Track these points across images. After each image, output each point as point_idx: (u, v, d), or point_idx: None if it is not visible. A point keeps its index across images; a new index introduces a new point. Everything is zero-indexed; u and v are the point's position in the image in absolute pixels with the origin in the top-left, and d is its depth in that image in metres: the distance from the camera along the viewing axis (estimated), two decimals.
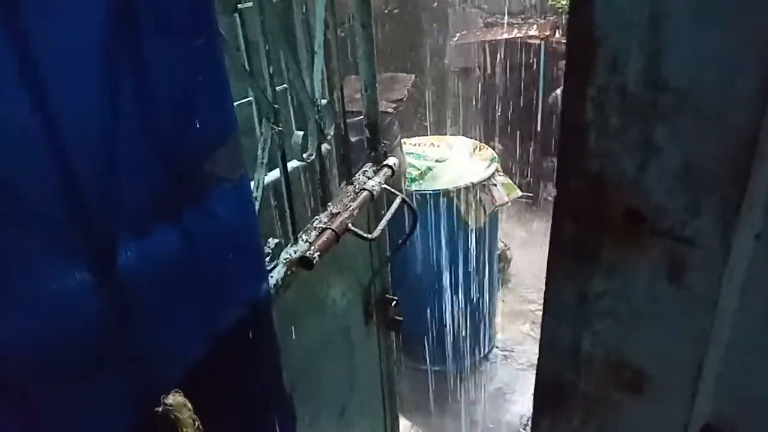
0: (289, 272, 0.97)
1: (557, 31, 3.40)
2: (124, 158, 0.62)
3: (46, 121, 0.52)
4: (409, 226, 1.27)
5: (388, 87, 2.16)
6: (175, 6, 0.65)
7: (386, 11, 2.44)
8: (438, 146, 2.75)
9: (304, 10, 1.03)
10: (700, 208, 0.48)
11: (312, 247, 1.01)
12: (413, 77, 2.32)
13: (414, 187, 2.39)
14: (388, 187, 1.23)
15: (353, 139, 1.41)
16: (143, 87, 0.63)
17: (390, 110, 2.03)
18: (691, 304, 0.50)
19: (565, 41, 2.83)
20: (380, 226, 1.13)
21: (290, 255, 0.99)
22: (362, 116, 1.29)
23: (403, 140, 2.37)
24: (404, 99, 2.15)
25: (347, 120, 1.26)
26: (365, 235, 1.09)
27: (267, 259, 0.92)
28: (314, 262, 0.99)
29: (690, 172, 0.48)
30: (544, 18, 3.47)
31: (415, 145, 2.75)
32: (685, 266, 0.52)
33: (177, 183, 0.70)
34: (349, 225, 1.09)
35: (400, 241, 1.32)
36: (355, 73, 1.39)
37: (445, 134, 3.23)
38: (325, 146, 1.10)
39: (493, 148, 3.07)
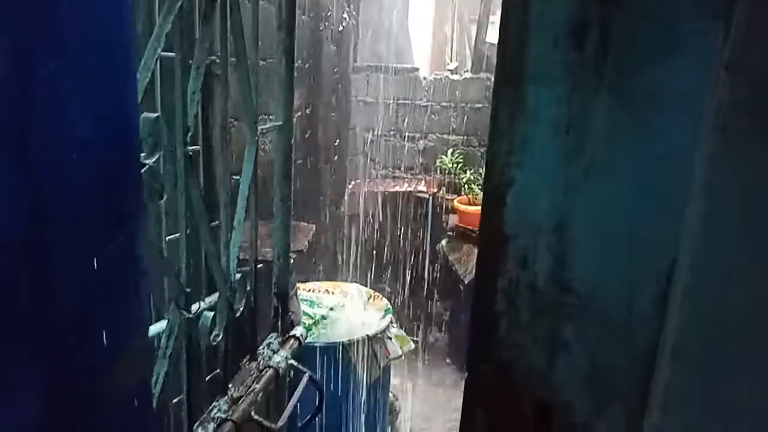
0: None
1: (443, 188, 3.74)
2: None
3: None
4: (316, 404, 1.18)
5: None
6: (96, 199, 0.59)
7: None
8: (332, 293, 2.72)
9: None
10: (607, 410, 0.48)
11: None
12: (314, 227, 2.34)
13: (308, 337, 2.28)
14: (296, 364, 1.15)
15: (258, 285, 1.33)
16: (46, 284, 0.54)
17: (290, 261, 1.99)
18: None
19: (449, 197, 3.08)
20: (286, 413, 1.03)
21: None
22: (270, 262, 1.24)
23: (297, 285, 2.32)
24: (304, 250, 2.14)
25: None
26: (270, 425, 0.98)
27: None
28: None
29: (596, 372, 0.48)
30: (431, 176, 3.82)
31: (309, 291, 2.69)
32: None
33: (66, 398, 0.58)
34: (252, 413, 0.98)
35: (302, 423, 1.21)
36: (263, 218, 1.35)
37: (339, 279, 3.23)
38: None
39: (383, 291, 3.12)
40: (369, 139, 3.84)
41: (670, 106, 0.42)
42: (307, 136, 2.71)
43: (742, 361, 0.41)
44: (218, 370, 1.00)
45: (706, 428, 0.43)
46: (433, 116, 3.78)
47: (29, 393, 0.53)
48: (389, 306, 2.64)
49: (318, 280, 2.90)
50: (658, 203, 0.43)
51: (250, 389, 1.02)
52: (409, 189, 3.63)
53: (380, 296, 2.72)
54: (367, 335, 2.35)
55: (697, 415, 0.43)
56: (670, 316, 0.43)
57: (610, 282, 0.46)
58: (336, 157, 3.25)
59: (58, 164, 0.49)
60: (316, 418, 1.14)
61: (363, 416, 2.42)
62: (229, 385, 1.02)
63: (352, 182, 3.70)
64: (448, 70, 3.88)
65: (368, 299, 2.69)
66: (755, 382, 0.42)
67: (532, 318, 0.50)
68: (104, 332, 0.57)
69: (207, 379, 1.02)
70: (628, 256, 0.45)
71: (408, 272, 3.65)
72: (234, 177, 1.29)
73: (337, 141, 3.30)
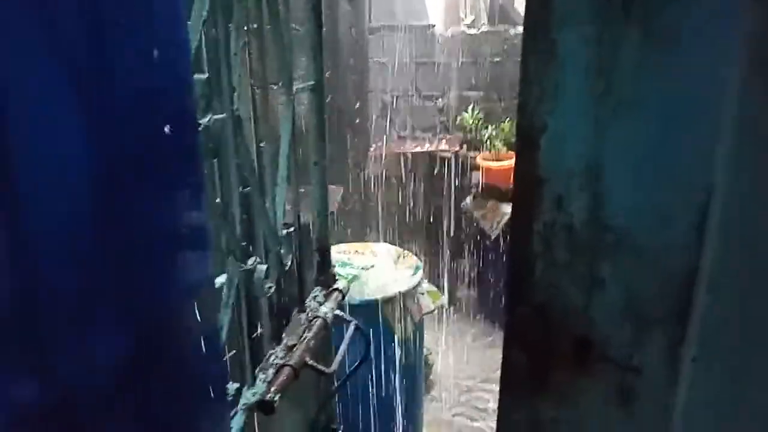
0: (248, 420, 0.89)
1: (465, 146, 3.73)
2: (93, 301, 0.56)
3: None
4: (361, 353, 1.24)
5: None
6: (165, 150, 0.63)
7: None
8: (363, 253, 2.78)
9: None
10: (645, 340, 0.50)
11: (271, 388, 0.94)
12: (342, 189, 2.39)
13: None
14: (341, 314, 1.20)
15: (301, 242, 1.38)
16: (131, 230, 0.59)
17: (328, 218, 2.04)
18: (643, 430, 0.51)
19: (472, 155, 3.06)
20: (338, 358, 1.10)
21: (248, 399, 0.91)
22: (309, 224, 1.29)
23: None
24: (334, 211, 2.19)
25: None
26: (324, 369, 1.05)
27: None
28: (275, 405, 0.92)
29: (634, 306, 0.49)
30: (452, 134, 3.80)
31: (340, 252, 2.75)
32: (634, 394, 0.54)
33: (146, 338, 0.64)
34: (308, 359, 1.04)
35: (349, 371, 1.28)
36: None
37: (366, 239, 3.29)
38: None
39: (411, 250, 3.18)
40: (388, 101, 3.82)
41: (698, 38, 0.42)
42: (328, 100, 2.72)
43: None
44: (272, 321, 1.06)
45: (744, 355, 0.45)
46: (451, 74, 3.73)
47: (118, 330, 0.59)
48: (419, 263, 2.69)
49: (347, 242, 2.97)
50: (691, 136, 0.44)
51: (302, 337, 1.09)
52: (431, 149, 3.63)
53: (410, 254, 2.77)
54: (400, 292, 2.41)
55: (735, 343, 0.44)
56: (706, 248, 0.44)
57: (646, 217, 0.47)
58: (357, 121, 3.26)
59: (131, 115, 0.53)
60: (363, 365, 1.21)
61: (400, 370, 2.51)
62: (283, 335, 1.09)
63: (374, 145, 3.71)
64: (465, 24, 3.80)
65: (398, 258, 2.74)
66: None
67: (568, 258, 0.51)
68: (177, 277, 0.63)
69: (262, 328, 1.08)
70: (663, 191, 0.46)
71: (435, 231, 3.69)
72: (260, 144, 1.32)
73: (358, 104, 3.30)
